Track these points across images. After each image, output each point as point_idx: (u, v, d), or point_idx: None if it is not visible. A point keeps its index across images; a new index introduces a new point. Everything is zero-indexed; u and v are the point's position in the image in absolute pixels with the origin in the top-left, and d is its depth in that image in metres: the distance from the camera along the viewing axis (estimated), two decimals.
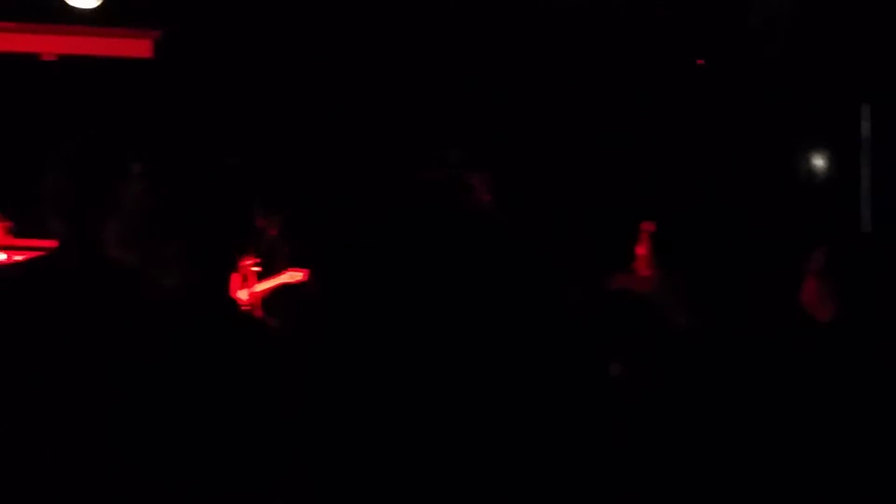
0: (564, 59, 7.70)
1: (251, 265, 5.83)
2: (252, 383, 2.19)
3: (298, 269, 6.40)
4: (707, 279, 2.70)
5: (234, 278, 2.61)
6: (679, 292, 2.72)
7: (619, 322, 3.27)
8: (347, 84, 7.75)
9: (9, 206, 6.62)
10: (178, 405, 2.17)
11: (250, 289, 6.03)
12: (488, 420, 0.88)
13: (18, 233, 6.40)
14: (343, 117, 7.78)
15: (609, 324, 3.24)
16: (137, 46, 7.18)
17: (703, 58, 7.68)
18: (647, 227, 6.04)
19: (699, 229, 2.80)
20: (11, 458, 2.53)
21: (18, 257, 4.73)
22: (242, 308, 2.43)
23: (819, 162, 8.18)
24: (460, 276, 0.90)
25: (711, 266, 2.72)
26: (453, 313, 0.89)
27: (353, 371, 0.89)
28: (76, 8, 6.92)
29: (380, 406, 0.88)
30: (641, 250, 6.54)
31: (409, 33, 7.66)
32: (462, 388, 0.88)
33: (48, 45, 7.21)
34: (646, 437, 2.45)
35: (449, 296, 0.89)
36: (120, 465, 2.16)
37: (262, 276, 6.12)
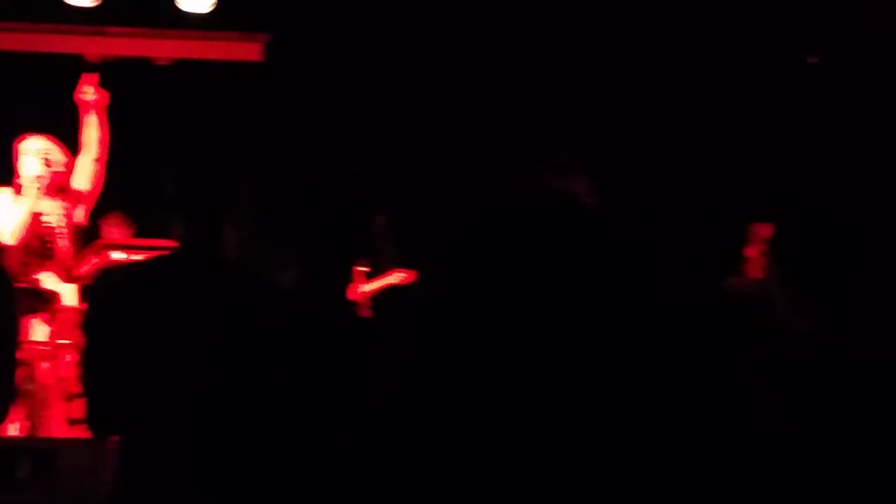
0: (677, 58, 7.61)
1: (358, 266, 5.89)
2: (363, 384, 2.22)
3: (404, 269, 6.45)
4: (825, 283, 2.65)
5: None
6: (795, 296, 2.68)
7: (729, 324, 3.23)
8: (455, 84, 7.77)
9: (127, 207, 6.82)
10: (291, 405, 2.20)
11: (357, 289, 6.09)
12: (595, 420, 0.88)
13: (137, 233, 6.59)
14: (450, 118, 7.81)
15: (720, 326, 3.20)
16: (248, 50, 7.31)
17: (820, 57, 7.51)
18: (758, 228, 5.96)
19: (818, 232, 2.75)
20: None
21: (137, 257, 4.86)
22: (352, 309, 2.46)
23: None
24: (574, 276, 0.90)
25: (829, 270, 2.67)
26: (566, 312, 0.89)
27: (466, 368, 0.90)
28: (189, 13, 7.08)
29: (492, 403, 0.89)
30: (752, 253, 6.43)
31: (516, 33, 7.65)
32: (574, 390, 0.88)
33: (162, 49, 7.38)
34: (756, 442, 2.42)
35: (562, 296, 0.89)
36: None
37: (368, 277, 6.18)
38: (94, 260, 5.41)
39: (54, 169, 5.36)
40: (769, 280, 2.84)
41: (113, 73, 7.50)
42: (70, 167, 5.47)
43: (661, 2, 7.33)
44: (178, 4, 7.02)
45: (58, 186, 5.39)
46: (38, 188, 5.24)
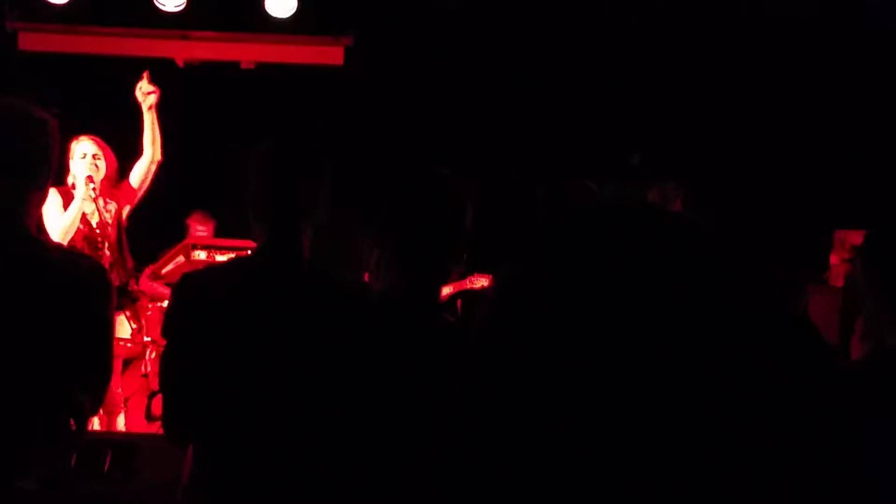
0: (765, 59, 7.50)
1: (447, 270, 5.89)
2: (450, 389, 2.22)
3: (482, 274, 6.46)
4: None
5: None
6: (886, 305, 2.62)
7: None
8: (533, 87, 7.77)
9: (213, 207, 6.94)
10: (378, 408, 2.20)
11: (442, 293, 6.10)
12: (684, 427, 0.87)
13: (222, 233, 6.70)
14: (528, 121, 7.80)
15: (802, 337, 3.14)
16: (330, 54, 7.38)
17: None
18: (843, 235, 5.85)
19: None
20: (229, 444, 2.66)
21: (221, 257, 4.95)
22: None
23: None
24: (666, 281, 0.89)
25: None
26: (656, 320, 0.88)
27: (556, 371, 0.89)
28: (274, 17, 7.18)
29: (580, 410, 0.87)
30: (835, 260, 6.31)
31: (599, 35, 7.61)
32: (665, 396, 0.87)
33: (247, 53, 7.49)
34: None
35: (654, 301, 0.88)
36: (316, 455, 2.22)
37: (452, 281, 6.19)
38: (180, 258, 5.52)
39: (102, 170, 5.45)
40: (858, 289, 2.78)
41: (199, 77, 7.68)
42: (112, 167, 5.54)
43: (749, 5, 7.23)
44: (266, 9, 7.13)
45: (107, 187, 5.48)
46: (90, 188, 5.33)
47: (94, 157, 5.42)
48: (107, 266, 5.37)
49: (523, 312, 0.93)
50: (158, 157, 5.68)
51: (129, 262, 5.54)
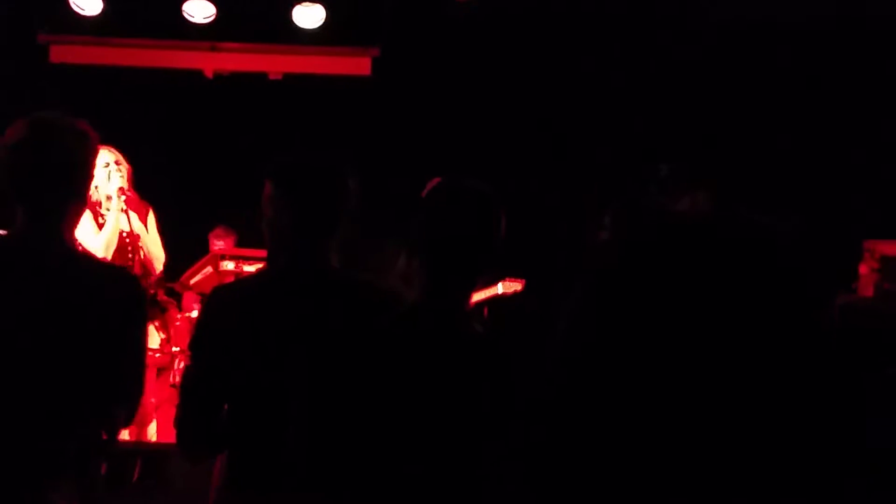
0: (793, 69, 7.46)
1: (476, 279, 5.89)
2: (480, 398, 2.22)
3: (514, 279, 6.44)
4: None
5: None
6: None
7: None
8: (559, 96, 7.76)
9: (238, 219, 6.97)
10: (410, 413, 2.21)
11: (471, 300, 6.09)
12: (749, 437, 0.88)
13: (244, 245, 6.71)
14: (555, 132, 7.80)
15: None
16: (357, 64, 7.41)
17: None
18: (872, 245, 5.80)
19: None
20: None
21: (249, 268, 4.98)
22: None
23: None
24: (739, 291, 0.90)
25: None
26: (731, 329, 0.89)
27: (624, 381, 0.90)
28: (301, 28, 7.22)
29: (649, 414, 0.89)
30: (865, 270, 6.26)
31: (629, 46, 7.60)
32: (733, 403, 0.88)
33: (276, 64, 7.54)
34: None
35: (726, 312, 0.89)
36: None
37: (480, 287, 6.18)
38: (208, 269, 5.54)
39: (124, 178, 5.44)
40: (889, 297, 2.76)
41: (228, 87, 7.74)
42: (130, 175, 5.54)
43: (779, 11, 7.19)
44: (294, 20, 7.17)
45: (130, 198, 5.48)
46: (122, 200, 5.33)
47: (116, 163, 5.42)
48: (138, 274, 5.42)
49: (614, 318, 0.94)
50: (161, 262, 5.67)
51: (158, 272, 5.55)
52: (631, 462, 0.89)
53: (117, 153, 5.45)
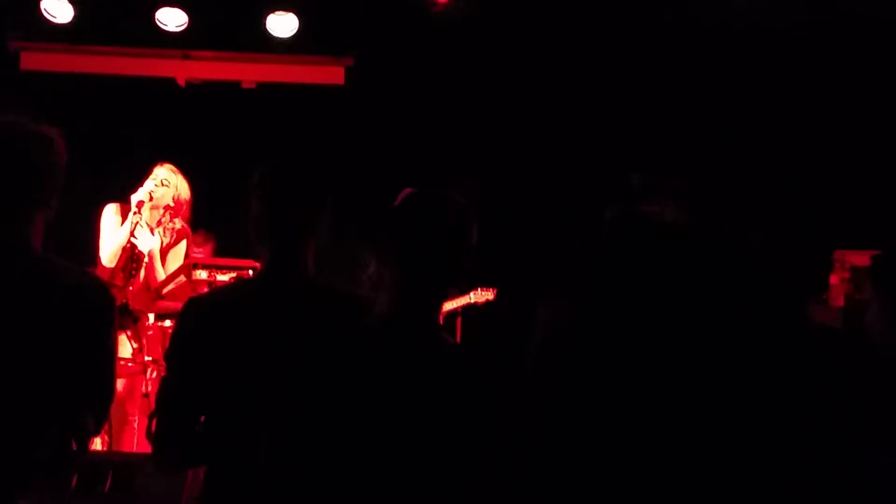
0: (763, 78, 7.51)
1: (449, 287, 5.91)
2: (454, 410, 2.22)
3: (486, 288, 6.46)
4: None
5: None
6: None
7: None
8: (534, 105, 7.79)
9: (213, 227, 6.95)
10: (380, 426, 2.20)
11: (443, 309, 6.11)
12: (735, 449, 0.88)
13: (222, 252, 6.70)
14: (531, 140, 7.82)
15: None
16: (331, 73, 7.41)
17: None
18: (842, 255, 5.86)
19: None
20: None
21: (223, 277, 4.96)
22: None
23: None
24: (728, 295, 0.91)
25: None
26: (712, 339, 0.89)
27: (608, 394, 0.90)
28: (275, 36, 7.21)
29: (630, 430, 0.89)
30: (835, 280, 6.31)
31: (596, 54, 7.63)
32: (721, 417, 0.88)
33: (249, 72, 7.53)
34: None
35: (706, 321, 0.90)
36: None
37: (452, 295, 6.20)
38: (181, 278, 5.52)
39: (163, 197, 5.51)
40: (866, 308, 2.79)
41: (200, 96, 7.71)
42: (177, 197, 5.61)
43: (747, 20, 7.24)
44: (267, 28, 7.16)
45: (172, 215, 5.56)
46: (135, 214, 5.39)
47: (163, 182, 5.50)
48: (132, 290, 5.44)
49: (587, 328, 0.94)
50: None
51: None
52: (616, 472, 0.89)
53: (175, 172, 5.53)
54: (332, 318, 2.63)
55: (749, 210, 7.32)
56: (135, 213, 5.41)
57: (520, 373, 0.99)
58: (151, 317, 5.56)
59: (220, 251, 6.86)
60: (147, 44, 7.30)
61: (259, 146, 7.22)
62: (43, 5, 7.03)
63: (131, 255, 5.49)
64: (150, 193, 5.48)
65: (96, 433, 2.78)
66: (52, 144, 2.75)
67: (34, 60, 7.37)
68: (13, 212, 2.68)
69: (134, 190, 5.51)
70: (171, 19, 7.16)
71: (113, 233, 5.47)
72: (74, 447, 2.64)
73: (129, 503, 3.28)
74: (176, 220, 5.67)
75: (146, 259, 5.55)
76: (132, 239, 5.44)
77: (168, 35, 7.19)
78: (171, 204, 5.61)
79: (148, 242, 5.50)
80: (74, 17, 7.08)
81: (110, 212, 5.55)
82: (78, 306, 2.67)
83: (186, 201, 5.68)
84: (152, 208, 5.55)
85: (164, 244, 5.66)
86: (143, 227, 5.48)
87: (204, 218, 7.09)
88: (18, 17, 7.17)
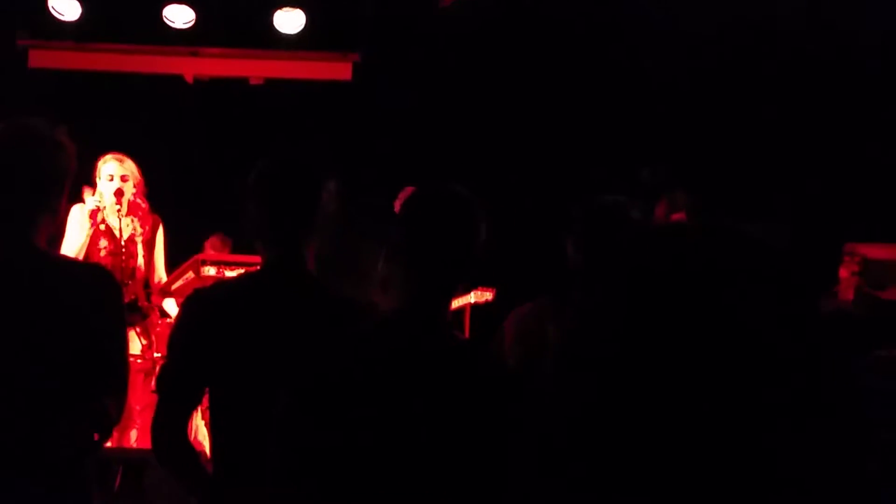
0: (772, 72, 7.49)
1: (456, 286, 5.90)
2: (470, 408, 2.21)
3: (486, 288, 6.45)
4: None
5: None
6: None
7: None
8: (540, 101, 7.78)
9: (221, 223, 6.96)
10: (395, 425, 2.20)
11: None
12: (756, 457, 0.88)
13: (236, 250, 6.70)
14: (537, 137, 7.82)
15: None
16: (338, 69, 7.41)
17: None
18: (852, 249, 5.85)
19: None
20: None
21: (231, 273, 4.96)
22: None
23: None
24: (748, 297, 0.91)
25: None
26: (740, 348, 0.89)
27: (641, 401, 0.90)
28: (282, 33, 7.22)
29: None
30: (845, 273, 6.29)
31: (601, 50, 7.63)
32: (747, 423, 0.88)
33: (256, 69, 7.53)
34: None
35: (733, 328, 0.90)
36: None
37: (456, 295, 6.18)
38: (190, 274, 5.52)
39: (129, 188, 5.45)
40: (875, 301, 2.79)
41: (208, 93, 7.72)
42: (139, 182, 5.54)
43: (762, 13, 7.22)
44: (275, 25, 7.17)
45: (133, 204, 5.49)
46: (114, 205, 5.36)
47: (122, 178, 5.43)
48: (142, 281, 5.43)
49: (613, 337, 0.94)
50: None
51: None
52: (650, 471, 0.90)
53: (125, 164, 5.46)
54: (334, 316, 2.64)
55: (759, 203, 7.31)
56: (93, 223, 5.33)
57: (543, 373, 1.00)
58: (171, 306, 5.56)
59: (238, 250, 6.87)
60: (155, 41, 7.31)
61: (267, 142, 7.24)
62: (51, 3, 7.05)
63: (116, 248, 5.44)
64: (123, 178, 5.41)
65: (117, 421, 2.80)
66: (64, 149, 2.76)
67: (42, 58, 7.38)
68: (19, 213, 2.69)
69: (81, 193, 5.43)
70: (179, 16, 7.17)
71: (75, 234, 5.38)
72: (96, 437, 2.66)
73: (139, 500, 3.29)
74: (139, 200, 5.55)
75: (140, 254, 5.52)
76: (126, 228, 5.40)
77: (176, 32, 7.20)
78: (134, 190, 5.52)
79: (127, 232, 5.47)
80: (82, 15, 7.09)
81: (77, 212, 5.47)
82: (82, 290, 2.69)
83: (141, 179, 5.60)
84: (127, 205, 5.45)
85: (143, 234, 5.59)
86: (114, 218, 5.40)
87: (212, 215, 7.11)
88: (26, 16, 7.19)
